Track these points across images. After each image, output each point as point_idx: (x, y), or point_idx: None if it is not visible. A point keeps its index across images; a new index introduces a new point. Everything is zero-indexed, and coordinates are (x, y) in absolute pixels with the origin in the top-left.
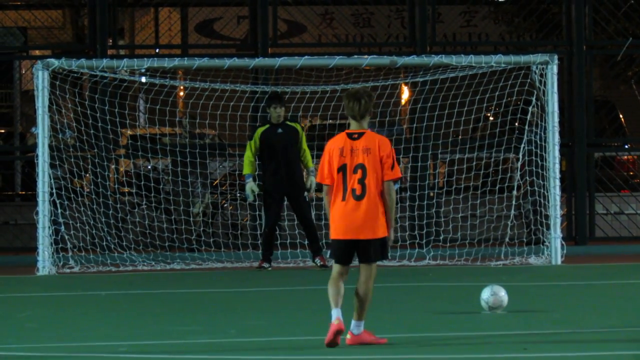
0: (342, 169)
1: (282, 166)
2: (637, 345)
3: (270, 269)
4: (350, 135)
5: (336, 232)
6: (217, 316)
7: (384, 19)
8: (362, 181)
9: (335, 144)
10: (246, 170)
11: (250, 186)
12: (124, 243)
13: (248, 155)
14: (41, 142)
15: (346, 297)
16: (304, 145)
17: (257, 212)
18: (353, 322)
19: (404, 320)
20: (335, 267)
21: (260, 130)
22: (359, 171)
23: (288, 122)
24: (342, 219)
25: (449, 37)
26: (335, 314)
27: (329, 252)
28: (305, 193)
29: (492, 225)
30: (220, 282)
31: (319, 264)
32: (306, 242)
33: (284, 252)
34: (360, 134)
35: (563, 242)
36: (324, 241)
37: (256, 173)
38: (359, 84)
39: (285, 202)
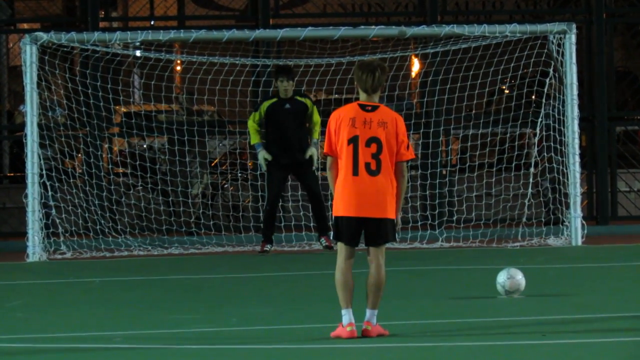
0: (353, 140)
1: (288, 142)
2: None
3: (271, 249)
4: (363, 107)
5: (347, 209)
6: (217, 304)
7: None
8: (376, 156)
9: (344, 114)
10: (254, 139)
11: (263, 155)
12: (119, 227)
13: (252, 125)
14: (30, 121)
15: (356, 283)
16: (315, 118)
17: (260, 193)
18: (369, 312)
19: (415, 306)
20: (343, 251)
21: (266, 103)
22: (373, 145)
23: (298, 97)
24: (354, 195)
25: (461, 6)
26: (348, 319)
27: (332, 233)
28: (313, 168)
29: (508, 205)
30: (221, 267)
31: (323, 244)
32: (312, 219)
33: (288, 235)
34: (375, 107)
35: (583, 222)
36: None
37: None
38: (366, 57)
39: (290, 182)
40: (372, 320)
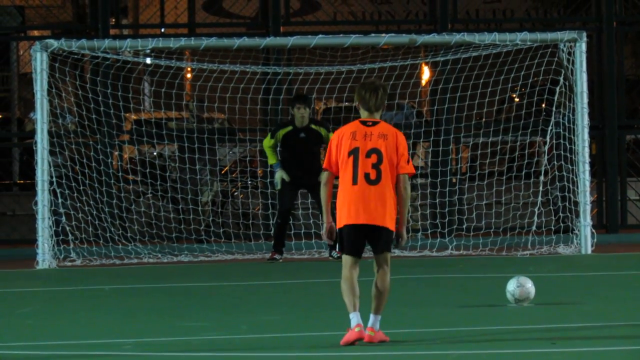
0: (354, 152)
1: (302, 166)
2: None
3: (281, 260)
4: (364, 123)
5: (348, 217)
6: (227, 311)
7: None
8: (377, 166)
9: (346, 129)
10: (271, 160)
11: (281, 174)
12: (129, 234)
13: (267, 146)
14: (40, 128)
15: (361, 288)
16: None
17: (270, 201)
18: (372, 317)
19: (424, 314)
20: (347, 262)
21: (282, 132)
22: (373, 156)
23: (313, 126)
24: (354, 202)
25: (472, 14)
26: (356, 320)
27: (337, 245)
28: None
29: (518, 213)
30: (230, 275)
31: (335, 257)
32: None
33: (297, 243)
34: (375, 122)
35: (593, 230)
36: None
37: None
38: (376, 64)
39: (300, 191)
40: (375, 325)
